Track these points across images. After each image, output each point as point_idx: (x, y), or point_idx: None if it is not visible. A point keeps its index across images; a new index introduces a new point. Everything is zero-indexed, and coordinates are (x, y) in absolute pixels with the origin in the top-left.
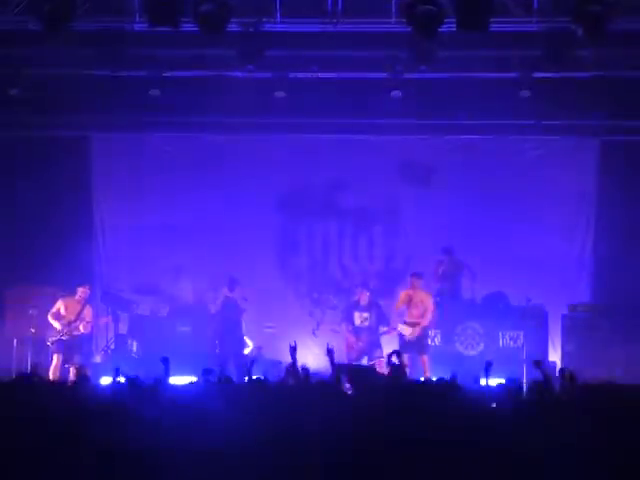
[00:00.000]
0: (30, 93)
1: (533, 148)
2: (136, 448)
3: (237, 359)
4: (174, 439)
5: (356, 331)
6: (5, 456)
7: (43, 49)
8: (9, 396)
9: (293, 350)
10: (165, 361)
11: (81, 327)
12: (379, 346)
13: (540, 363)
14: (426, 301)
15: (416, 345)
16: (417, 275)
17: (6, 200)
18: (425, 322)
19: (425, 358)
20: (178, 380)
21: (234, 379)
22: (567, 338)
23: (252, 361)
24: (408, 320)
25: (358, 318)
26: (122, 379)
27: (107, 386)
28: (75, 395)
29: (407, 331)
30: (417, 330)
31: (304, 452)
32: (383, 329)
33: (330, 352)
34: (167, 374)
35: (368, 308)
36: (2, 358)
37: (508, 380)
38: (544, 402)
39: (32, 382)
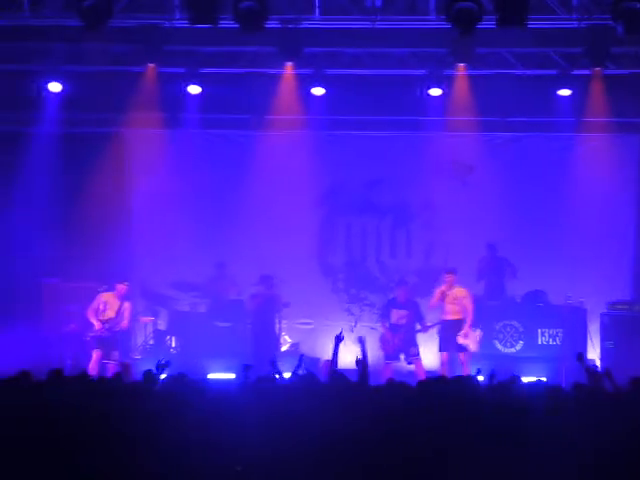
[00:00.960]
0: (68, 89)
1: (573, 145)
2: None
3: (271, 356)
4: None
5: (393, 328)
6: (54, 449)
7: (83, 45)
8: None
9: (338, 340)
10: (245, 367)
11: (120, 324)
12: (415, 344)
13: (582, 357)
14: (463, 297)
15: (446, 341)
16: (451, 271)
17: (45, 196)
18: (469, 320)
19: (463, 355)
20: (217, 376)
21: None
22: (606, 336)
23: (301, 358)
24: (445, 318)
25: (395, 315)
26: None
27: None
28: (121, 391)
29: (471, 345)
30: (475, 337)
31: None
32: (418, 327)
33: (361, 341)
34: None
35: (406, 305)
36: (42, 354)
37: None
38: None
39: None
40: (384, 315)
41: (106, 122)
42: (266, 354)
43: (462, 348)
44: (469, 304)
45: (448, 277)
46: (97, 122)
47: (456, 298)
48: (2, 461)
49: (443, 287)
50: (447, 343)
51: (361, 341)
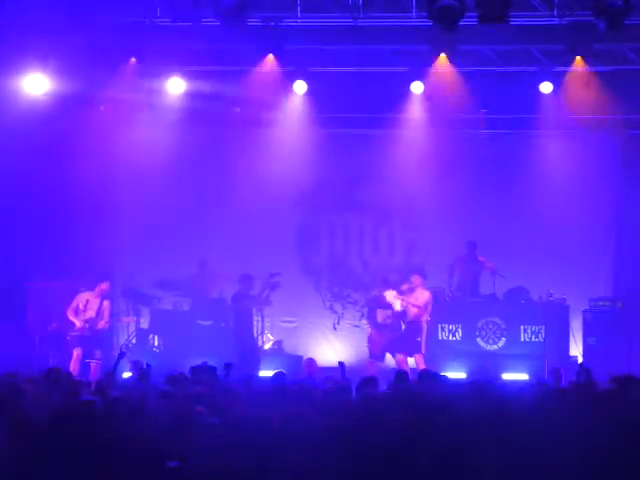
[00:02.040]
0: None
1: (555, 142)
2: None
3: (249, 353)
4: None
5: (379, 328)
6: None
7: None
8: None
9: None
10: (227, 366)
11: (100, 324)
12: (402, 343)
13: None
14: (424, 295)
15: (406, 343)
16: (418, 273)
17: (27, 196)
18: (417, 303)
19: (419, 357)
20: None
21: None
22: (588, 332)
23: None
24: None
25: (381, 315)
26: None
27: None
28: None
29: (395, 301)
30: (405, 306)
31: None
32: (403, 327)
33: (342, 366)
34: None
35: (390, 305)
36: (24, 353)
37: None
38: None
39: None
40: (369, 315)
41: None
42: (248, 353)
43: (418, 350)
44: (425, 298)
45: (414, 278)
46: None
47: (419, 295)
48: None
49: (405, 286)
50: (399, 344)
51: (342, 366)
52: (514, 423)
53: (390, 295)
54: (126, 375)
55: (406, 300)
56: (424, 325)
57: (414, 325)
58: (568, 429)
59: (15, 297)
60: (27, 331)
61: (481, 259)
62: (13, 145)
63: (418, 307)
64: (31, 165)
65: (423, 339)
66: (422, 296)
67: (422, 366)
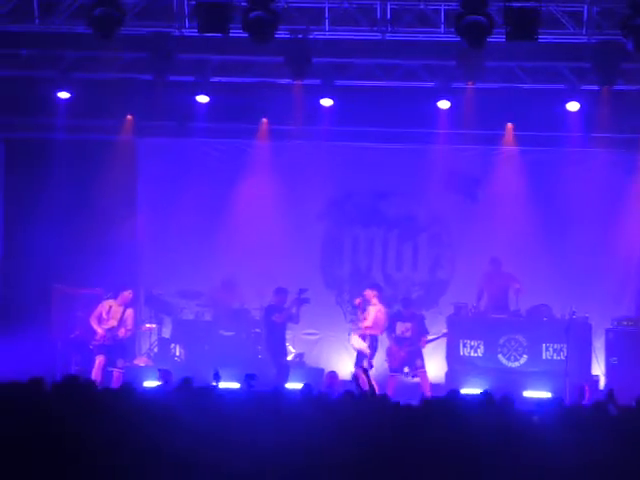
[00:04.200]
0: (78, 97)
1: (581, 160)
2: (182, 453)
3: (281, 365)
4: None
5: (398, 341)
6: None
7: (92, 53)
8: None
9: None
10: (216, 375)
11: (121, 332)
12: (420, 356)
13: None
14: (370, 310)
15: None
16: (371, 287)
17: (52, 203)
18: (368, 324)
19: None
20: (221, 385)
21: (275, 385)
22: (611, 352)
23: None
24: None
25: (400, 328)
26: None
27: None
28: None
29: (361, 345)
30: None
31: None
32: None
33: (356, 378)
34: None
35: (410, 318)
36: (47, 359)
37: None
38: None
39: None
40: (389, 328)
41: (115, 129)
42: (282, 365)
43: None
44: (373, 314)
45: (368, 293)
46: (106, 129)
47: (366, 313)
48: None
49: (357, 300)
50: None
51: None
52: (531, 440)
53: (356, 342)
54: (154, 384)
55: (362, 331)
56: (367, 340)
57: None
58: (584, 448)
59: (39, 303)
60: (50, 338)
61: (507, 272)
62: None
63: (367, 326)
64: (59, 172)
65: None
66: (369, 313)
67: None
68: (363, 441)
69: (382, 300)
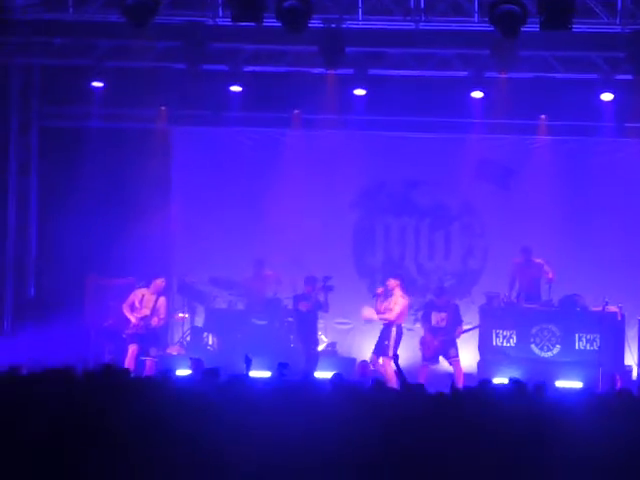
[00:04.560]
0: (112, 85)
1: (615, 150)
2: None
3: (310, 354)
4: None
5: (433, 331)
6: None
7: (126, 42)
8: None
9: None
10: (248, 361)
11: (154, 321)
12: (454, 345)
13: None
14: (397, 301)
15: (377, 345)
16: (395, 277)
17: (86, 191)
18: (389, 315)
19: (386, 360)
20: (254, 374)
21: (304, 374)
22: None
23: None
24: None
25: (435, 318)
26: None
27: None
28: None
29: (368, 312)
30: (376, 317)
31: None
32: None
33: (395, 359)
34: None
35: (445, 308)
36: (80, 348)
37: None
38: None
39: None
40: (423, 318)
41: (149, 119)
42: (311, 354)
43: (385, 353)
44: (398, 306)
45: (390, 282)
46: (140, 118)
47: (394, 302)
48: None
49: (380, 290)
50: (379, 347)
51: (395, 359)
52: (562, 429)
53: (367, 312)
54: (186, 373)
55: (380, 315)
56: (394, 330)
57: (385, 328)
58: (615, 436)
59: (73, 292)
60: (84, 327)
61: (539, 261)
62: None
63: (390, 317)
64: (93, 161)
65: (391, 343)
66: (396, 305)
67: (384, 370)
68: (392, 431)
69: (404, 289)
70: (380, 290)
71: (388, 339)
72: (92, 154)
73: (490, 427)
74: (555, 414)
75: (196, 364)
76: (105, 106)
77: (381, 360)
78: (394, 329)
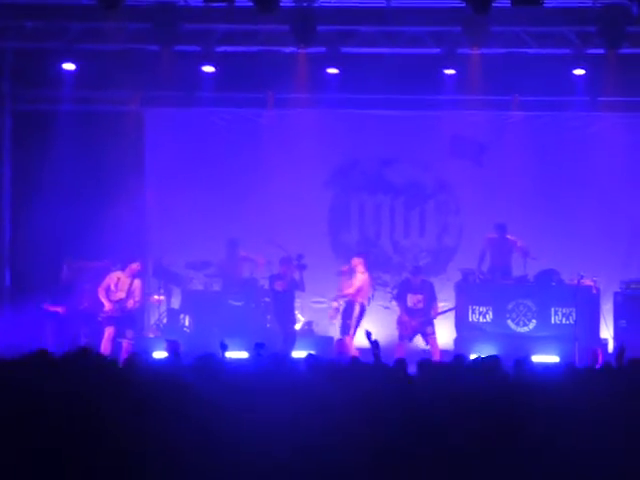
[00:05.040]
0: (84, 68)
1: (588, 125)
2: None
3: (287, 334)
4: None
5: (410, 312)
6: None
7: (97, 24)
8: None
9: (369, 336)
10: (223, 347)
11: (129, 303)
12: (431, 323)
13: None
14: (357, 277)
15: (342, 324)
16: (358, 255)
17: (60, 174)
18: (348, 291)
19: (349, 339)
20: (230, 355)
21: (282, 353)
22: (619, 315)
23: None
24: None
25: (411, 300)
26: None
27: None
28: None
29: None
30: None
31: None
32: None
33: (368, 336)
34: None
35: (421, 290)
36: (55, 332)
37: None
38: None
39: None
40: (399, 298)
41: (122, 101)
42: (288, 334)
43: (347, 331)
44: (357, 282)
45: (354, 260)
46: (112, 101)
47: (350, 286)
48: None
49: (344, 268)
50: (342, 326)
51: (368, 335)
52: (540, 404)
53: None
54: (161, 355)
55: (338, 296)
56: (357, 307)
57: (347, 307)
58: (599, 410)
59: (48, 276)
60: (61, 309)
61: (511, 238)
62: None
63: (350, 293)
64: (66, 144)
65: (353, 322)
66: (356, 280)
67: (351, 348)
68: (372, 408)
69: (367, 266)
70: (345, 268)
71: (350, 317)
72: (65, 138)
73: (468, 403)
74: (535, 389)
75: (172, 346)
76: (77, 89)
77: (345, 339)
78: (357, 307)
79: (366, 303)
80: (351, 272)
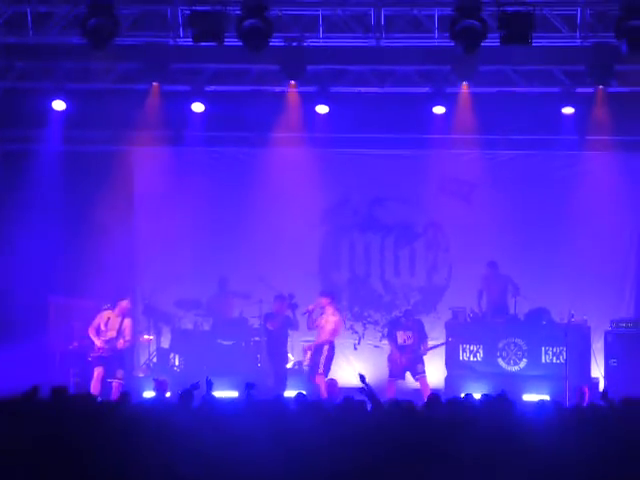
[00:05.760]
0: (74, 107)
1: (577, 163)
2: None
3: (278, 373)
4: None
5: (400, 349)
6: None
7: (87, 64)
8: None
9: (363, 379)
10: (209, 384)
11: (120, 343)
12: (421, 361)
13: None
14: (329, 319)
15: (309, 364)
16: (325, 295)
17: (50, 213)
18: (322, 336)
19: (319, 377)
20: (220, 394)
21: (272, 393)
22: (610, 354)
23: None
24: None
25: (401, 337)
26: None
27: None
28: (120, 412)
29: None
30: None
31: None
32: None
33: (362, 379)
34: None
35: (411, 327)
36: (45, 371)
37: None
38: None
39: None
40: (390, 336)
41: (110, 140)
42: (279, 373)
43: (316, 369)
44: (328, 326)
45: (322, 300)
46: (101, 140)
47: (325, 321)
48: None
49: (310, 307)
50: (312, 366)
51: (362, 379)
52: (529, 442)
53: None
54: (150, 395)
55: (314, 345)
56: (325, 347)
57: (316, 347)
58: (582, 449)
59: (36, 315)
60: (48, 349)
61: (505, 275)
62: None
63: (326, 339)
64: (55, 183)
65: (322, 360)
66: (328, 323)
67: (320, 389)
68: (360, 448)
69: (336, 307)
70: (311, 307)
71: (320, 356)
72: (54, 176)
73: (461, 443)
74: (523, 427)
75: (160, 385)
76: (67, 128)
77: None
78: (326, 347)
79: (335, 342)
80: (319, 311)
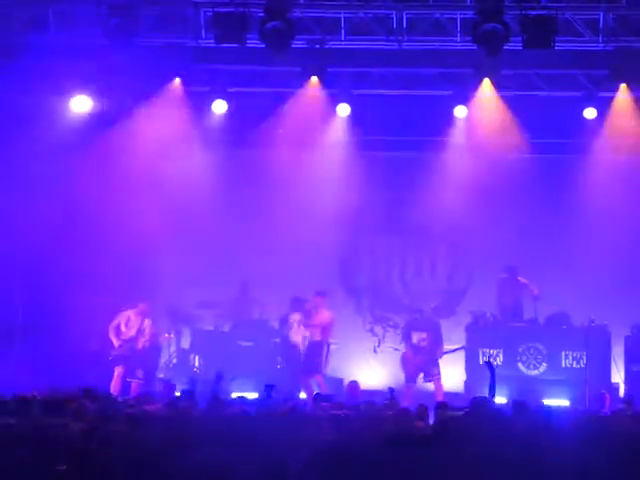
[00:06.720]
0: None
1: (597, 167)
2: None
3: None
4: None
5: (414, 349)
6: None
7: (108, 63)
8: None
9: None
10: (218, 378)
11: (139, 343)
12: (436, 364)
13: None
14: (320, 317)
15: (306, 364)
16: (318, 294)
17: (72, 212)
18: (314, 323)
19: (319, 378)
20: (240, 396)
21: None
22: (630, 360)
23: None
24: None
25: (416, 337)
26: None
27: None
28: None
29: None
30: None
31: None
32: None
33: (391, 392)
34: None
35: (426, 328)
36: (65, 371)
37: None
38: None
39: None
40: (405, 336)
41: None
42: (291, 373)
43: (318, 370)
44: (324, 320)
45: (316, 299)
46: None
47: (316, 320)
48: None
49: (307, 306)
50: (310, 365)
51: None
52: (551, 448)
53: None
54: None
55: (308, 324)
56: (324, 346)
57: (314, 345)
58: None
59: (59, 313)
60: (70, 349)
61: (523, 281)
62: (63, 162)
63: (315, 327)
64: (75, 180)
65: (323, 360)
66: (320, 317)
67: (323, 388)
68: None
69: (327, 305)
70: (308, 307)
71: (319, 356)
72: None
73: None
74: (543, 433)
75: (167, 387)
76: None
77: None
78: (325, 347)
79: (330, 341)
80: (315, 309)
